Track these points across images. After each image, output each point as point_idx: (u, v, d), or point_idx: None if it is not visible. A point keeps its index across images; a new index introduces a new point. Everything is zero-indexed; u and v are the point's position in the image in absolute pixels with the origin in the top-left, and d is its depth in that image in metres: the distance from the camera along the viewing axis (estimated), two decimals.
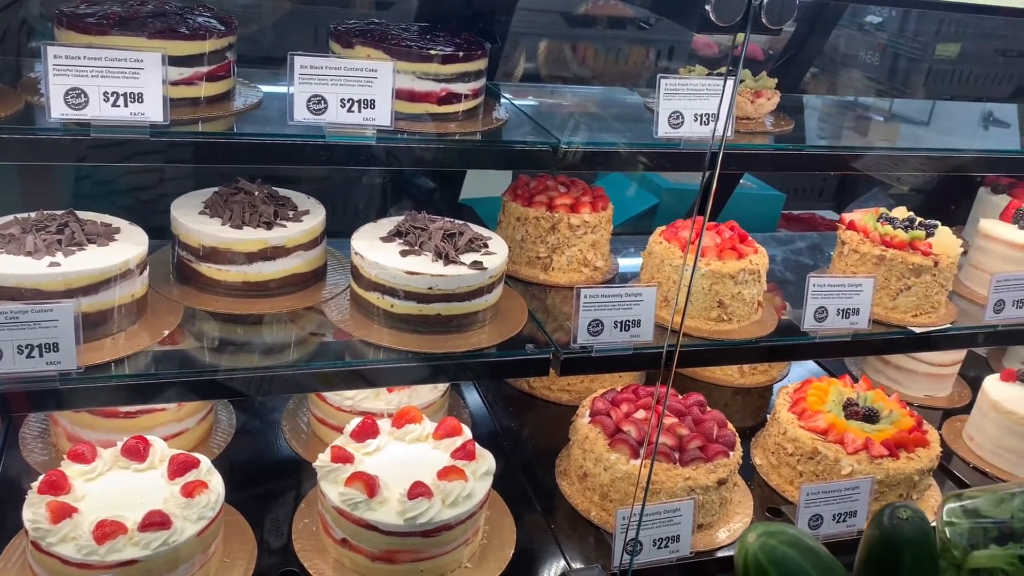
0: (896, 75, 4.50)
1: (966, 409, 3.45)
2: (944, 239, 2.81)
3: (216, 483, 2.27)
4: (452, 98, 2.29)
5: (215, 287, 2.30)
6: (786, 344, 2.64)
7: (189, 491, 2.18)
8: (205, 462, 2.32)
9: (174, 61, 2.01)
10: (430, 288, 2.22)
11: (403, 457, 2.47)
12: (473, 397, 3.24)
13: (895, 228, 2.80)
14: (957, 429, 3.37)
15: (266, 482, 2.65)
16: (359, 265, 2.30)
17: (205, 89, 2.14)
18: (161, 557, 2.05)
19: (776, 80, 2.82)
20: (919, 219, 2.89)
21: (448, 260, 2.28)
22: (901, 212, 2.97)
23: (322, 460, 2.37)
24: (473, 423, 3.05)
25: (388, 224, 2.45)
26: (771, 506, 2.86)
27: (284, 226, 2.33)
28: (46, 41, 1.81)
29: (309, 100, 1.98)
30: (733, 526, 2.69)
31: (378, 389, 2.74)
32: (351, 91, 2.00)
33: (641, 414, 2.72)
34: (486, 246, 2.40)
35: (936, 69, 4.40)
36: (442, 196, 3.36)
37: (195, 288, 2.32)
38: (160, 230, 2.33)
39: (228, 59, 2.19)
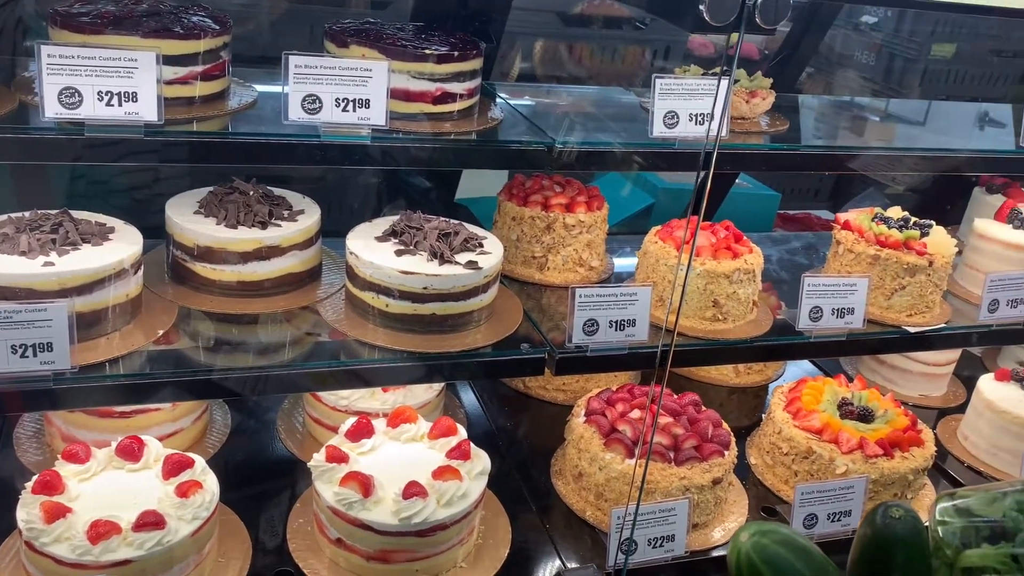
0: (892, 75, 4.51)
1: (961, 408, 3.46)
2: (939, 239, 2.81)
3: (211, 483, 2.26)
4: (447, 98, 2.29)
5: (210, 287, 2.30)
6: (781, 344, 2.65)
7: (183, 491, 2.18)
8: (200, 462, 2.31)
9: (168, 60, 2.01)
10: (425, 288, 2.22)
11: (398, 457, 2.47)
12: (468, 397, 3.24)
13: (890, 228, 2.80)
14: (952, 428, 3.38)
15: (261, 482, 2.65)
16: (354, 265, 2.30)
17: (200, 88, 2.14)
18: (155, 557, 2.04)
19: (771, 80, 2.82)
20: (914, 219, 2.90)
21: (443, 260, 2.28)
22: (896, 212, 2.97)
23: (317, 460, 2.37)
24: (468, 423, 3.05)
25: (383, 224, 2.45)
26: (766, 505, 2.86)
27: (279, 226, 2.33)
28: (40, 40, 1.81)
29: (304, 99, 1.98)
30: (728, 525, 2.69)
31: (373, 389, 2.74)
32: (346, 90, 2.00)
33: (636, 414, 2.72)
34: (481, 246, 2.40)
35: (932, 69, 4.41)
36: (438, 196, 3.36)
37: (190, 288, 2.32)
38: (155, 229, 2.33)
39: (223, 58, 2.19)
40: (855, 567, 2.11)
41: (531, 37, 3.64)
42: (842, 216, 2.93)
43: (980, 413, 3.22)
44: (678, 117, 2.26)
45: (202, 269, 2.29)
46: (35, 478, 2.15)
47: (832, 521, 2.67)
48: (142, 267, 2.18)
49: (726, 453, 2.67)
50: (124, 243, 2.14)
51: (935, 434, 3.07)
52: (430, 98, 2.27)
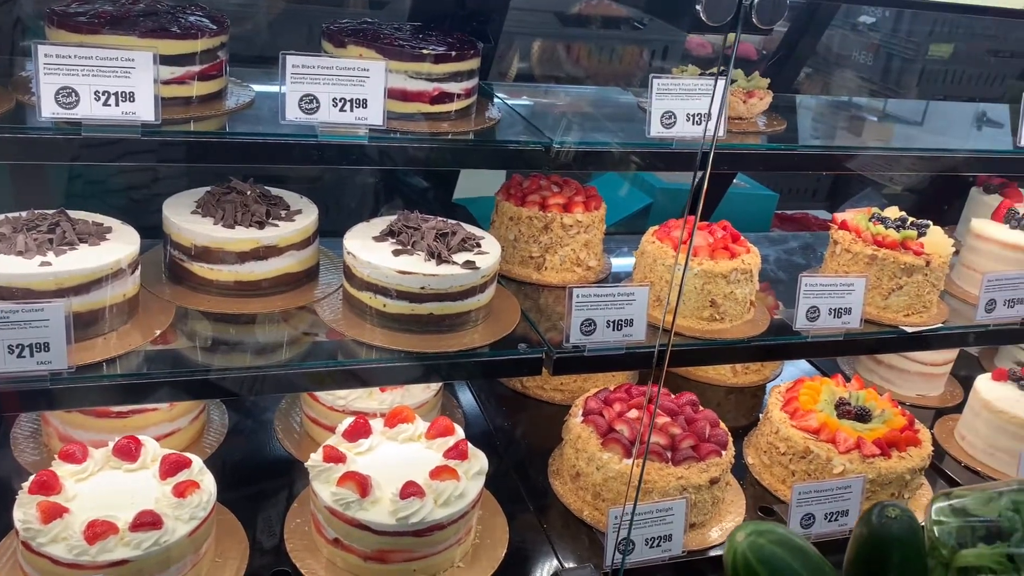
0: (889, 75, 4.51)
1: (958, 408, 3.46)
2: (936, 239, 2.82)
3: (208, 483, 2.26)
4: (445, 97, 2.29)
5: (207, 287, 2.30)
6: (778, 343, 2.65)
7: (181, 491, 2.18)
8: (197, 462, 2.31)
9: (166, 60, 2.01)
10: (423, 288, 2.22)
11: (395, 457, 2.47)
12: (466, 397, 3.24)
13: (887, 228, 2.81)
14: (949, 428, 3.38)
15: (258, 482, 2.65)
16: (351, 265, 2.30)
17: (197, 88, 2.14)
18: (152, 557, 2.04)
19: (768, 80, 2.82)
20: (911, 219, 2.90)
21: (441, 260, 2.28)
22: (893, 212, 2.98)
23: (314, 460, 2.37)
24: (466, 423, 3.06)
25: (381, 224, 2.45)
26: (763, 505, 2.86)
27: (276, 225, 2.33)
28: (37, 40, 1.80)
29: (301, 99, 1.97)
30: (725, 525, 2.69)
31: (371, 389, 2.74)
32: (343, 90, 2.00)
33: (634, 413, 2.72)
34: (479, 246, 2.40)
35: (929, 69, 4.41)
36: (435, 196, 3.36)
37: (187, 288, 2.32)
38: (152, 229, 2.33)
39: (220, 58, 2.19)
40: (851, 567, 2.11)
41: (529, 37, 3.64)
42: (839, 216, 2.93)
43: (977, 413, 3.22)
44: (675, 117, 2.26)
45: (199, 269, 2.29)
46: (32, 478, 2.15)
47: (829, 521, 2.68)
48: (139, 267, 2.18)
49: (723, 453, 2.67)
50: (121, 243, 2.14)
51: (932, 434, 3.08)
52: (427, 98, 2.27)
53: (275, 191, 2.49)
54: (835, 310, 2.56)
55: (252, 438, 2.85)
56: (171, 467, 2.26)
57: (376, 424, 2.56)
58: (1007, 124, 3.50)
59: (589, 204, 2.82)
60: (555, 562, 2.52)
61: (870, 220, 2.87)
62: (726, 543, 2.11)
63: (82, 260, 2.03)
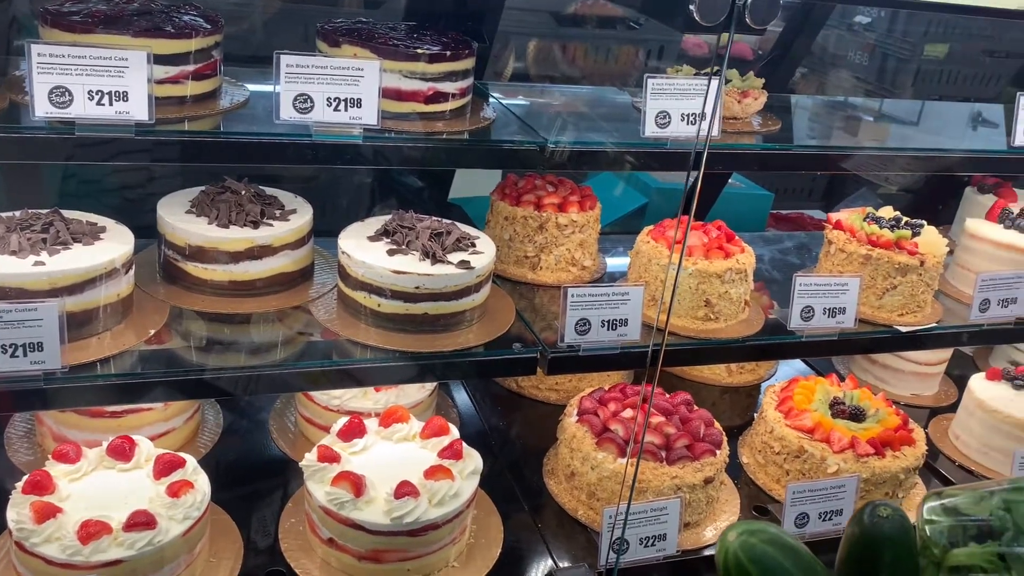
0: (885, 75, 4.52)
1: (952, 408, 3.47)
2: (930, 238, 2.82)
3: (202, 483, 2.26)
4: (439, 97, 2.29)
5: (202, 286, 2.30)
6: (773, 343, 2.65)
7: (175, 491, 2.17)
8: (191, 462, 2.31)
9: (159, 60, 2.00)
10: (417, 287, 2.22)
11: (390, 456, 2.47)
12: (461, 396, 3.24)
13: (881, 228, 2.81)
14: (943, 428, 3.39)
15: (253, 482, 2.65)
16: (346, 264, 2.30)
17: (191, 88, 2.14)
18: (146, 557, 2.04)
19: (763, 80, 2.83)
20: (905, 219, 2.91)
21: (435, 259, 2.28)
22: (887, 212, 2.98)
23: (308, 459, 2.37)
24: (461, 422, 3.05)
25: (375, 223, 2.44)
26: (758, 504, 2.87)
27: (271, 225, 2.33)
28: (30, 39, 1.80)
29: (295, 99, 1.97)
30: (720, 524, 2.70)
31: (365, 388, 2.74)
32: (337, 90, 2.00)
33: (628, 413, 2.72)
34: (473, 245, 2.40)
35: (924, 69, 4.42)
36: (431, 195, 3.35)
37: (181, 287, 2.31)
38: (146, 229, 2.33)
39: (214, 57, 2.19)
40: (843, 566, 2.11)
41: (524, 37, 3.64)
42: (834, 216, 2.94)
43: (971, 412, 3.23)
44: (670, 117, 2.26)
45: (194, 269, 2.29)
46: (25, 478, 2.15)
47: (823, 520, 2.68)
48: (133, 267, 2.18)
49: (718, 452, 2.67)
50: (115, 243, 2.13)
51: (926, 433, 3.08)
52: (422, 97, 2.27)
53: (270, 191, 2.48)
54: (829, 310, 2.57)
55: (247, 438, 2.85)
56: (165, 467, 2.26)
57: (371, 424, 2.56)
58: (1002, 124, 3.50)
59: (584, 204, 2.82)
60: (550, 561, 2.52)
61: (865, 220, 2.87)
62: (718, 543, 2.11)
63: (76, 260, 2.02)
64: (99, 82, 1.82)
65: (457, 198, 3.47)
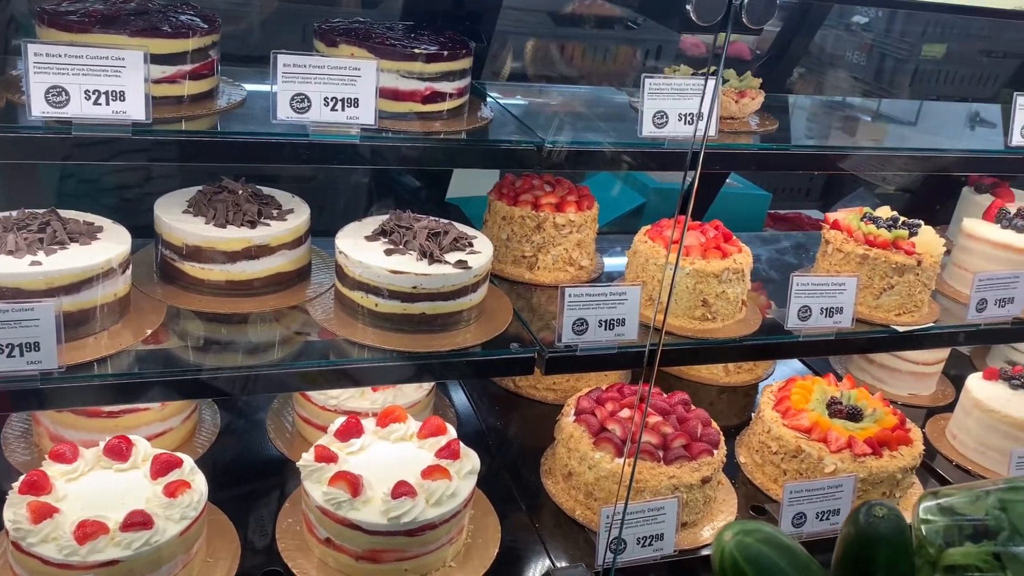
0: (882, 75, 4.52)
1: (949, 407, 3.47)
2: (927, 238, 2.83)
3: (199, 483, 2.26)
4: (436, 97, 2.29)
5: (199, 286, 2.29)
6: (770, 343, 2.66)
7: (172, 491, 2.17)
8: (188, 462, 2.31)
9: (156, 59, 2.00)
10: (414, 287, 2.22)
11: (387, 456, 2.47)
12: (459, 396, 3.24)
13: (879, 227, 2.81)
14: (940, 427, 3.39)
15: (250, 482, 2.65)
16: (343, 264, 2.30)
17: (188, 87, 2.13)
18: (143, 557, 2.04)
19: (760, 80, 2.83)
20: (902, 218, 2.91)
21: (433, 259, 2.28)
22: (885, 211, 2.98)
23: (306, 459, 2.36)
24: (458, 422, 3.05)
25: (373, 223, 2.44)
26: (755, 504, 2.87)
27: (268, 225, 2.33)
28: (27, 39, 1.80)
29: (292, 99, 1.97)
30: (717, 524, 2.70)
31: (363, 388, 2.74)
32: (335, 90, 2.00)
33: (626, 413, 2.73)
34: (471, 245, 2.40)
35: (922, 69, 4.42)
36: (428, 195, 3.36)
37: (179, 287, 2.31)
38: (143, 229, 2.33)
39: (211, 57, 2.19)
40: (839, 566, 2.11)
41: (522, 36, 3.64)
42: (831, 216, 2.94)
43: (968, 412, 3.24)
44: (667, 117, 2.26)
45: (191, 268, 2.28)
46: (22, 478, 2.15)
47: (821, 520, 2.68)
48: (130, 266, 2.18)
49: (715, 452, 2.67)
50: (112, 242, 2.13)
51: (924, 433, 3.09)
52: (419, 97, 2.27)
53: (267, 190, 2.48)
54: (827, 309, 2.57)
55: (244, 438, 2.84)
56: (162, 467, 2.25)
57: (368, 424, 2.56)
58: (999, 124, 3.51)
59: (582, 204, 2.82)
60: (547, 561, 2.52)
61: (862, 220, 2.87)
62: (714, 542, 2.11)
63: (73, 259, 2.02)
64: (96, 82, 1.82)
65: (454, 198, 3.47)
